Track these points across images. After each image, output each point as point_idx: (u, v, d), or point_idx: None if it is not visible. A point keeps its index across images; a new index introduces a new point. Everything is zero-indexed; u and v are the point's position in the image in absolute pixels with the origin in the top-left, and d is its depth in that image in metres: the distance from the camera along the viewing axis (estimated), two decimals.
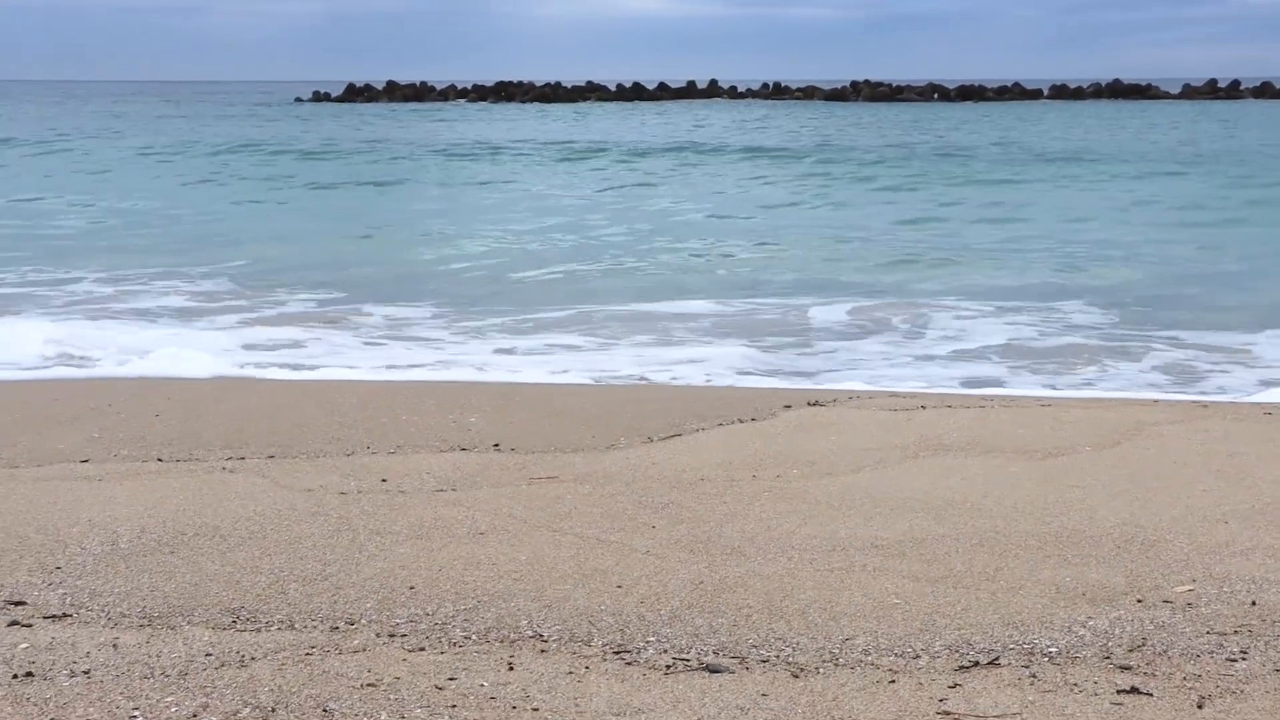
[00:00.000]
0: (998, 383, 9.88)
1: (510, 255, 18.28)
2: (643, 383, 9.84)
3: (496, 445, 6.72)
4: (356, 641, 3.86)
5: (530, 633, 3.97)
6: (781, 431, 7.10)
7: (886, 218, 22.95)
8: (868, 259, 17.56)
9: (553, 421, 7.39)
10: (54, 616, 4.06)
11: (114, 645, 3.79)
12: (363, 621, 4.05)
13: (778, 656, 3.80)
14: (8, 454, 6.46)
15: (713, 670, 3.68)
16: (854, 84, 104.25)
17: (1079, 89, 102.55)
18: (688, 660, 3.76)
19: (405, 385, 9.06)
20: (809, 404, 7.90)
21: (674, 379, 9.99)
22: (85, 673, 3.56)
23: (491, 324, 12.66)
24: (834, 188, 29.44)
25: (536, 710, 3.35)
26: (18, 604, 4.17)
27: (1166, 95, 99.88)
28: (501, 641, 3.89)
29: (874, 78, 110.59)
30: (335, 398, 8.04)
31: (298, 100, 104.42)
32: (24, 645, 3.77)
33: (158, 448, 6.61)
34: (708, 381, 9.79)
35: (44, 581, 4.40)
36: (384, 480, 5.91)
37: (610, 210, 24.87)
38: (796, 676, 3.64)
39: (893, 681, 3.63)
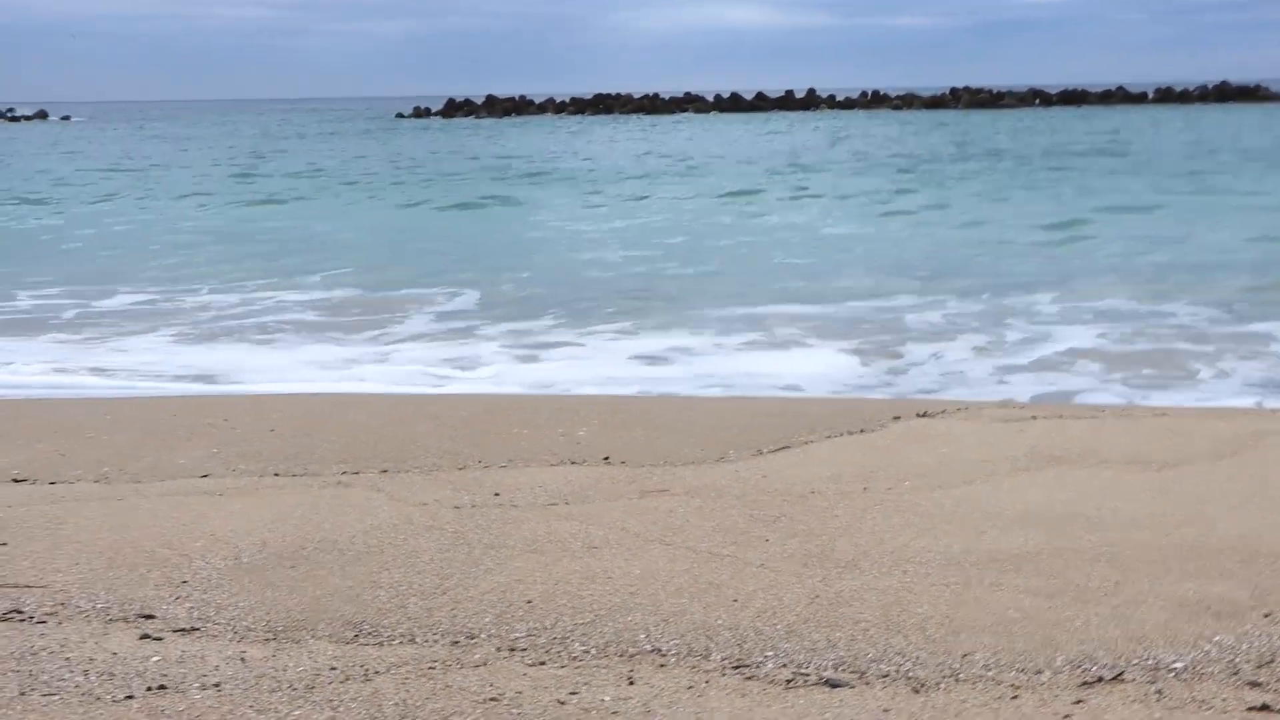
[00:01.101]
0: (1107, 391, 9.77)
1: (646, 265, 18.34)
2: (750, 395, 9.84)
3: (606, 459, 6.75)
4: (477, 656, 3.90)
5: (649, 647, 3.98)
6: (891, 443, 7.06)
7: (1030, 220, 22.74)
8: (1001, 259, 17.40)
9: (661, 434, 7.40)
10: (183, 630, 4.14)
11: (241, 659, 3.86)
12: (482, 636, 4.09)
13: (897, 671, 3.78)
14: (132, 468, 6.60)
15: (833, 685, 3.67)
16: (953, 91, 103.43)
17: (1185, 91, 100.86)
18: (807, 675, 3.76)
19: (514, 399, 9.14)
20: (918, 415, 7.85)
21: (784, 387, 10.02)
22: (215, 686, 3.63)
23: (599, 332, 12.74)
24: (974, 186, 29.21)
25: None
26: (147, 617, 4.26)
27: (1277, 97, 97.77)
28: (620, 656, 3.91)
29: (973, 84, 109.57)
30: (445, 412, 8.13)
31: (399, 116, 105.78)
32: (155, 658, 3.86)
33: (274, 463, 6.72)
34: (816, 392, 9.78)
35: (171, 595, 4.49)
36: (496, 494, 5.96)
37: (731, 225, 24.85)
38: (917, 692, 3.62)
39: (1015, 697, 3.60)
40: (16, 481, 6.31)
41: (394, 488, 6.11)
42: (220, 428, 7.67)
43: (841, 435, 7.28)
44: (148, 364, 11.57)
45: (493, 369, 11.22)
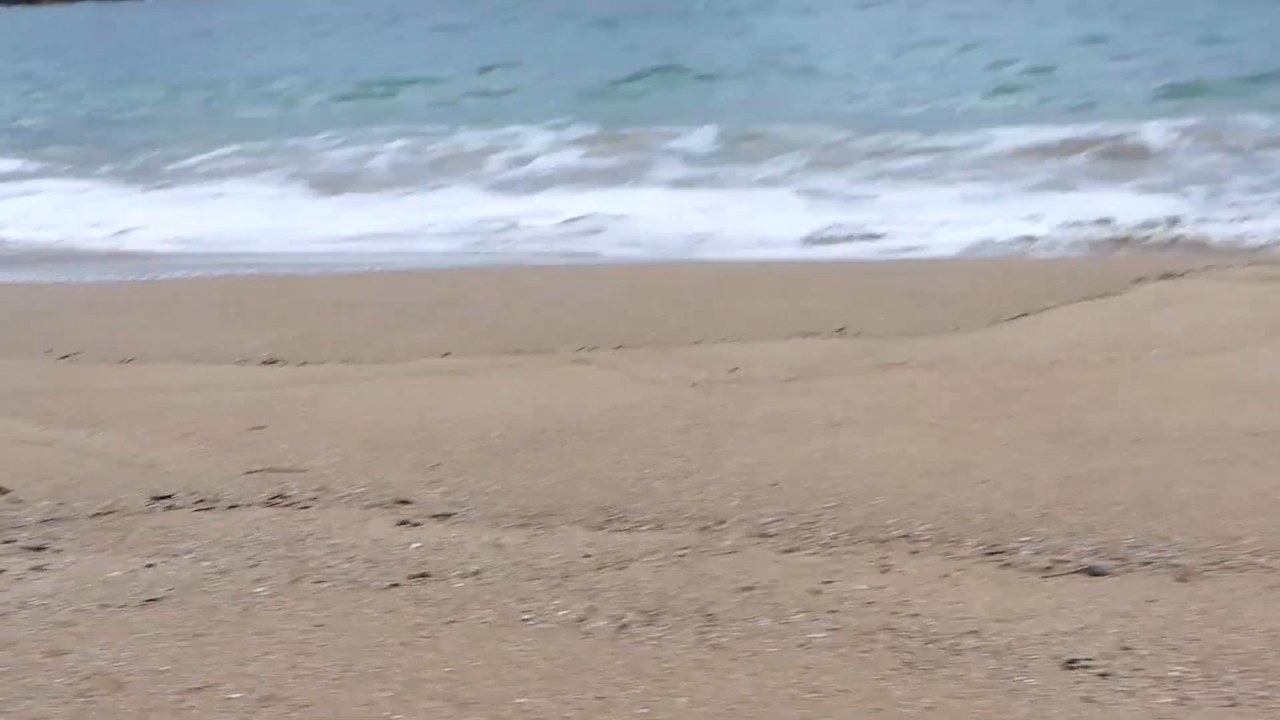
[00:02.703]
0: None
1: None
2: (978, 256, 9.64)
3: (841, 330, 6.68)
4: (728, 542, 3.91)
5: (899, 532, 3.94)
6: (1135, 308, 6.84)
7: None
8: None
9: (895, 303, 7.30)
10: (439, 516, 4.24)
11: (498, 545, 3.93)
12: (731, 521, 4.09)
13: (1159, 558, 3.66)
14: (376, 348, 6.76)
15: (1094, 573, 3.59)
16: None
17: None
18: (1065, 562, 3.67)
19: (743, 268, 9.08)
20: (1162, 276, 7.57)
21: (1011, 239, 9.82)
22: (475, 573, 3.71)
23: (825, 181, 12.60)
24: None
25: (917, 616, 3.33)
26: (404, 503, 4.38)
27: None
28: (872, 542, 3.87)
29: None
30: (676, 284, 8.13)
31: None
32: (416, 545, 3.96)
33: (512, 340, 6.81)
34: (1050, 250, 9.53)
35: (425, 480, 4.60)
36: (733, 370, 5.94)
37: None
38: (1183, 580, 3.51)
39: None
40: (269, 363, 6.52)
41: (631, 365, 6.14)
42: (457, 304, 7.80)
43: (1081, 300, 7.07)
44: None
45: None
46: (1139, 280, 7.48)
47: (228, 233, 12.84)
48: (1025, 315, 6.79)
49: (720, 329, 6.82)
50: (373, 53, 37.21)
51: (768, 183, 14.32)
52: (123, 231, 13.21)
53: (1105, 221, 10.38)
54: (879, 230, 11.06)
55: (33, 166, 19.44)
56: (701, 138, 17.13)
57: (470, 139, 18.42)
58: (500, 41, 37.74)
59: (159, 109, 27.17)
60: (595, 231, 11.84)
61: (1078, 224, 10.40)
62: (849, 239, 10.87)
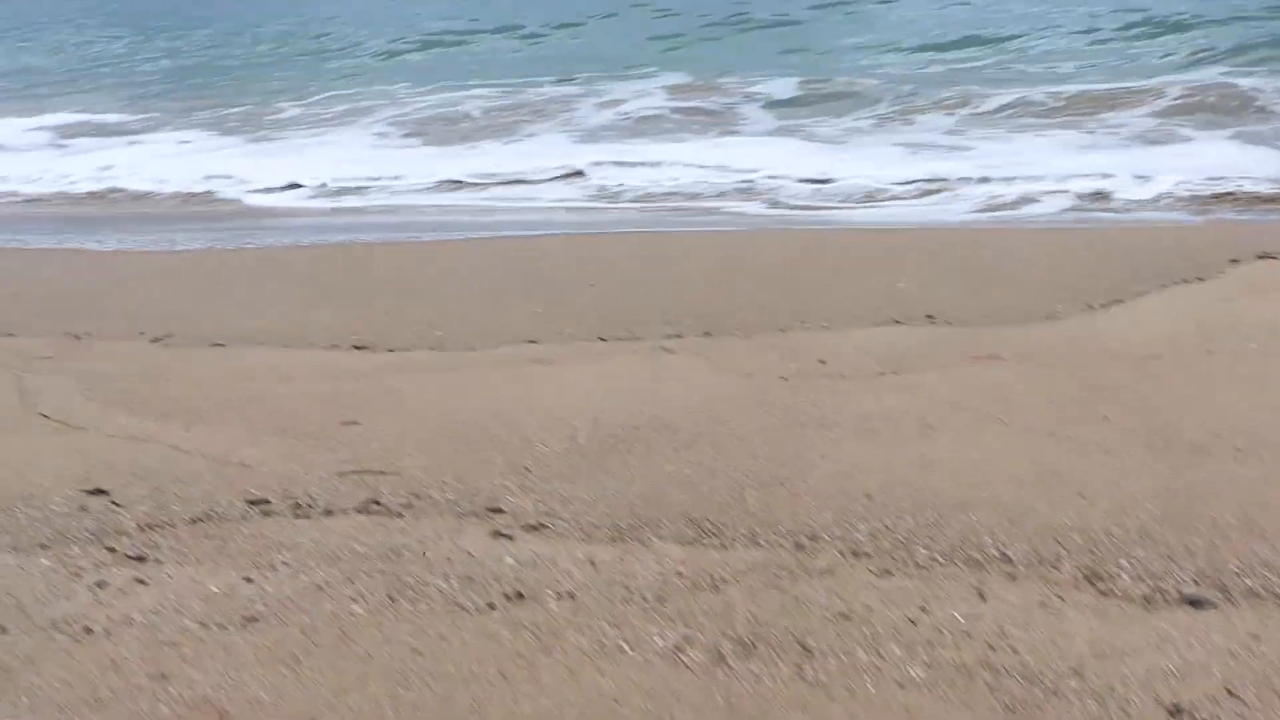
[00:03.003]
0: None
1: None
2: (1072, 222, 9.50)
3: (930, 317, 6.61)
4: (823, 562, 3.88)
5: (996, 553, 3.89)
6: (1231, 293, 6.71)
7: None
8: None
9: (985, 284, 7.21)
10: (531, 527, 4.25)
11: (591, 562, 3.94)
12: (825, 537, 4.06)
13: (1264, 588, 3.60)
14: (462, 332, 6.79)
15: (1194, 604, 3.53)
16: None
17: None
18: (1165, 590, 3.62)
19: (828, 238, 8.99)
20: (1259, 256, 7.42)
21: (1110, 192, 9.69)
22: (570, 595, 3.72)
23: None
24: None
25: (1015, 651, 3.30)
26: (496, 511, 4.39)
27: None
28: (968, 564, 3.84)
29: None
30: (764, 259, 8.06)
31: None
32: (509, 560, 3.97)
33: (598, 324, 6.80)
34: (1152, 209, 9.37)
35: (517, 485, 4.60)
36: (822, 362, 5.90)
37: None
38: None
39: None
40: (357, 349, 6.56)
41: (718, 354, 6.11)
42: (544, 282, 7.80)
43: (1177, 284, 6.95)
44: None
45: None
46: (1234, 261, 7.34)
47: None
48: (1118, 302, 6.68)
49: (809, 313, 6.78)
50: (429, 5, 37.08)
51: (857, 132, 14.34)
52: (237, 181, 13.55)
53: (1216, 180, 10.32)
54: (980, 177, 11.22)
55: (136, 119, 19.83)
56: (783, 87, 17.15)
57: (561, 90, 18.57)
58: None
59: (243, 59, 27.38)
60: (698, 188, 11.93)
61: (1183, 180, 10.35)
62: (952, 191, 10.93)
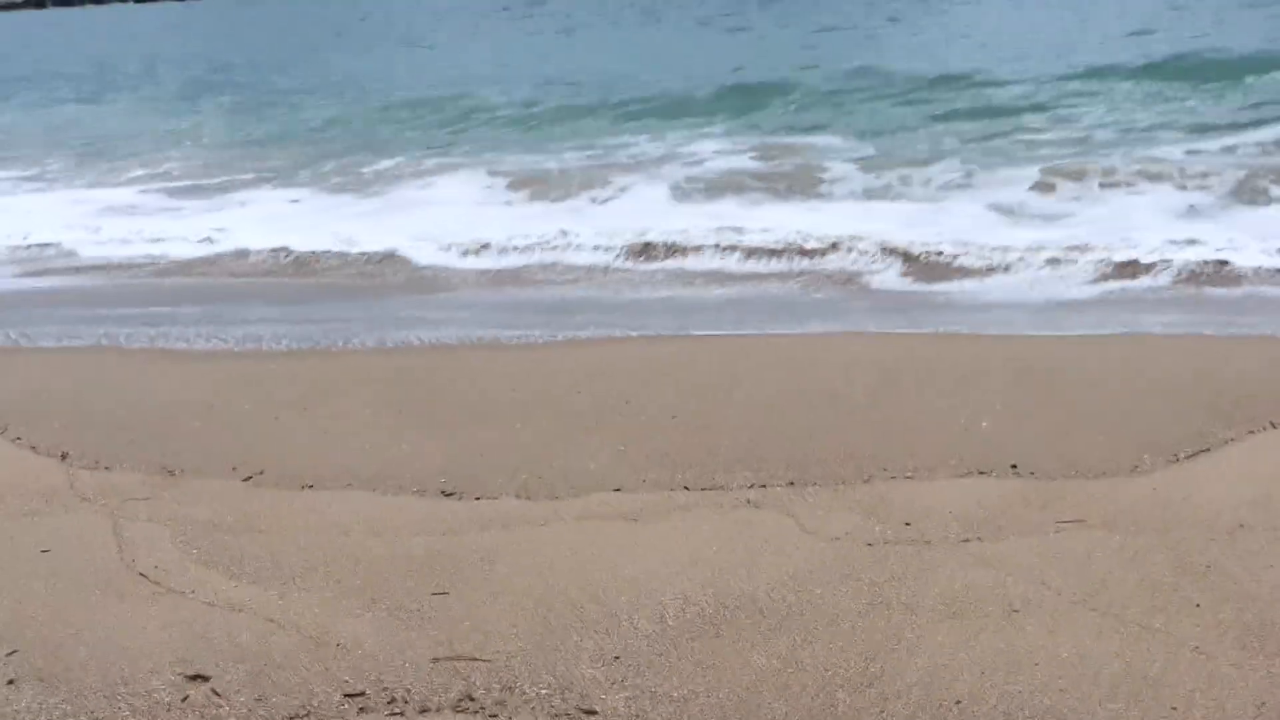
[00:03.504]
0: None
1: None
2: (1149, 330, 9.45)
3: (1014, 466, 6.61)
4: None
5: None
6: None
7: None
8: None
9: (1069, 421, 7.19)
10: None
11: None
12: None
13: None
14: (548, 475, 6.85)
15: None
16: None
17: None
18: None
19: (910, 349, 8.95)
20: None
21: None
22: None
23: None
24: None
25: None
26: (590, 713, 4.44)
27: None
28: None
29: None
30: (849, 383, 8.05)
31: None
32: None
33: (680, 467, 6.84)
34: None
35: (607, 679, 4.66)
36: (907, 524, 5.92)
37: None
38: None
39: None
40: (446, 495, 6.65)
41: (803, 510, 6.14)
42: (623, 411, 7.86)
43: (1263, 430, 6.90)
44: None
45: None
46: None
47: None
48: (1205, 451, 6.65)
49: (892, 458, 6.78)
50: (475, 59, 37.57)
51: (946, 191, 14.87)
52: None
53: None
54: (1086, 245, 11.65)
55: (244, 177, 20.52)
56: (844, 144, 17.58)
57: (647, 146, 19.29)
58: (607, 45, 37.92)
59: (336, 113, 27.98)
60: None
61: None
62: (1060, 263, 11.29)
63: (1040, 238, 13.05)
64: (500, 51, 41.30)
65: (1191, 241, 12.33)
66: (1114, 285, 11.47)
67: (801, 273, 12.78)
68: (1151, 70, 23.49)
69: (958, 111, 21.55)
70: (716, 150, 19.84)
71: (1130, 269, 11.84)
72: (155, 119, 30.95)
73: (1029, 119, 20.46)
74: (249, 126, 28.04)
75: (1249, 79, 21.50)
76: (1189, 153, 16.63)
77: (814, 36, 38.41)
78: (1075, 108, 21.13)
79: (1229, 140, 17.45)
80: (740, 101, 24.89)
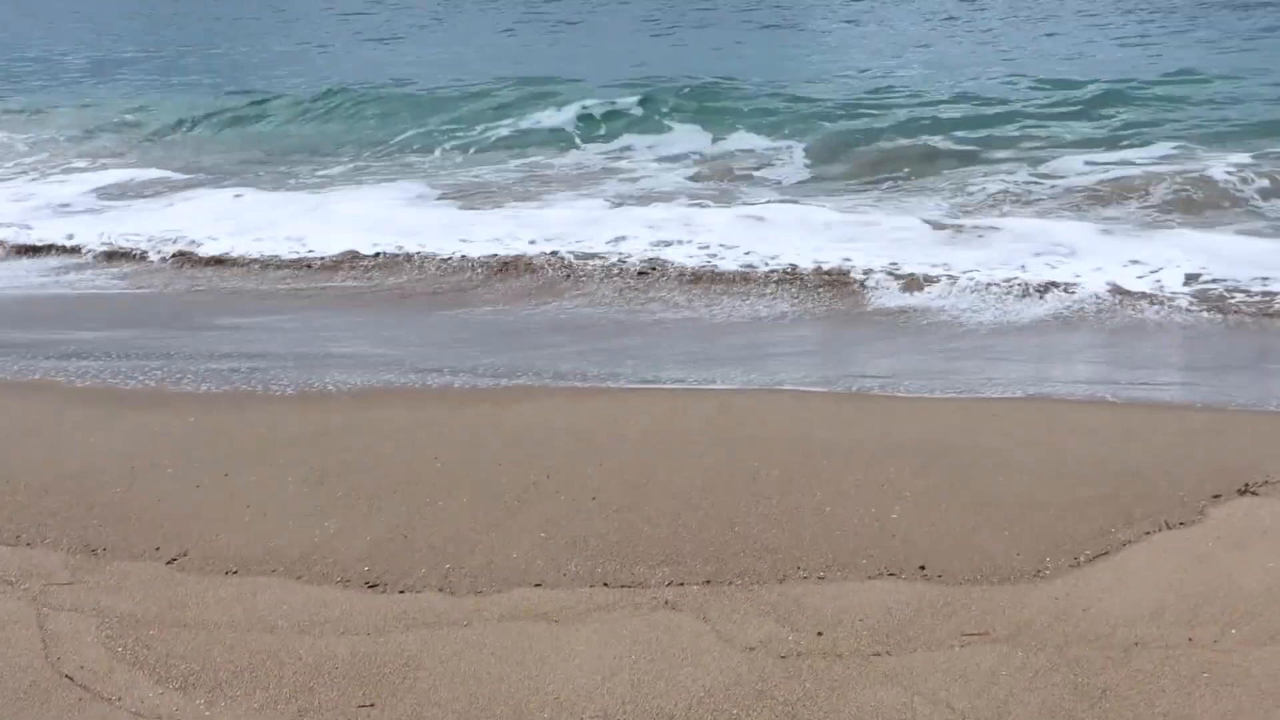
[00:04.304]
0: None
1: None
2: (1055, 389, 9.72)
3: (923, 568, 6.83)
4: None
5: None
6: (1212, 548, 6.94)
7: None
8: None
9: (976, 514, 7.41)
10: None
11: None
12: None
13: None
14: (471, 565, 6.98)
15: None
16: None
17: None
18: None
19: (834, 412, 9.16)
20: (1239, 491, 7.65)
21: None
22: None
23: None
24: None
25: None
26: None
27: None
28: None
29: None
30: (765, 453, 8.24)
31: None
32: None
33: (601, 559, 7.01)
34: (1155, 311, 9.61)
35: None
36: (820, 634, 6.13)
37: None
38: None
39: None
40: (370, 586, 6.77)
41: (720, 615, 6.33)
42: (544, 488, 8.00)
43: (1160, 531, 7.17)
44: None
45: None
46: (1216, 496, 7.58)
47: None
48: (1105, 555, 6.91)
49: (807, 557, 6.96)
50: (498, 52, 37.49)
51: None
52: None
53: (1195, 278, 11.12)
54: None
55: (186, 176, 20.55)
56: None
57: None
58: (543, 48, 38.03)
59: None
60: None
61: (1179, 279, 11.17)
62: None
63: (959, 261, 13.52)
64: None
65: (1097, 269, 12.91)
66: (1028, 316, 11.77)
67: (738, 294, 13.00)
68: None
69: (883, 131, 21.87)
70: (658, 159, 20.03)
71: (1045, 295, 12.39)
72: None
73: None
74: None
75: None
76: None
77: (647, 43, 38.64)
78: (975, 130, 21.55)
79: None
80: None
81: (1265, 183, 16.42)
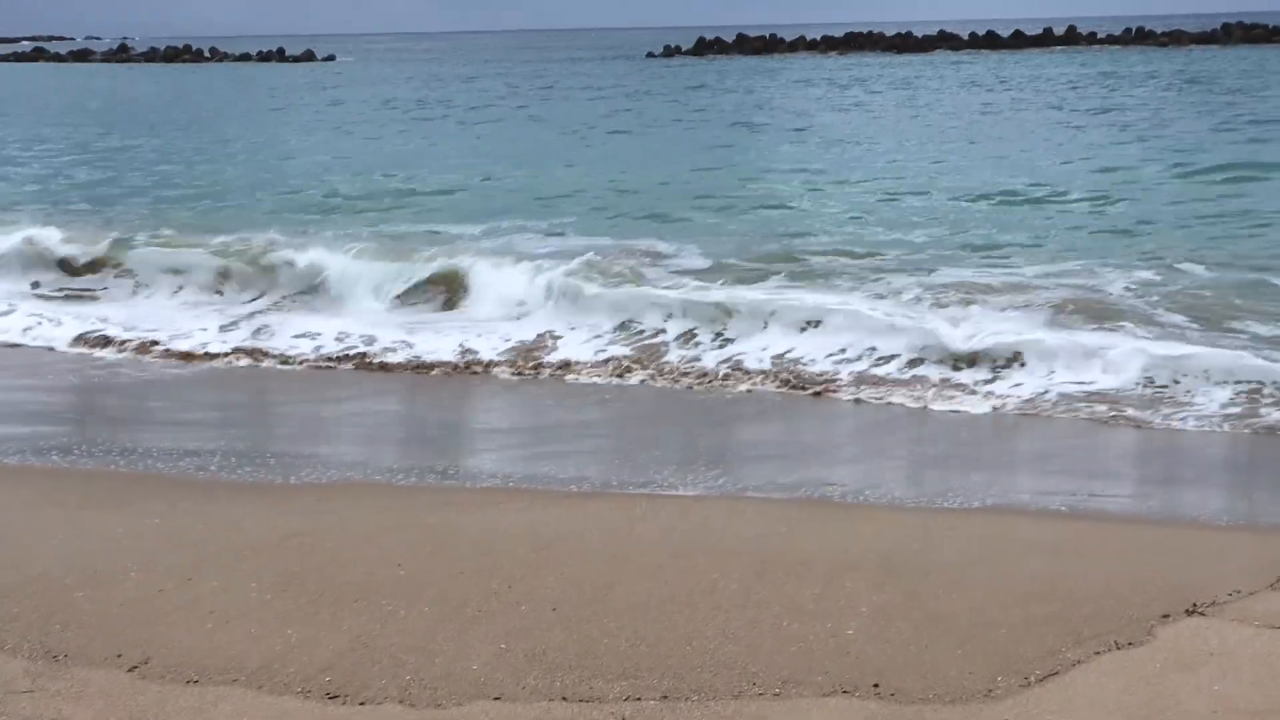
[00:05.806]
0: None
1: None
2: (1013, 499, 9.88)
3: (876, 686, 6.93)
4: None
5: None
6: (1159, 669, 7.04)
7: None
8: None
9: (929, 630, 7.52)
10: None
11: None
12: None
13: None
14: (430, 675, 7.04)
15: None
16: (1225, 26, 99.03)
17: None
18: None
19: (794, 520, 9.27)
20: (1187, 612, 7.77)
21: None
22: None
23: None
24: None
25: None
26: None
27: None
28: None
29: (1246, 18, 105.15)
30: (723, 565, 8.35)
31: (649, 56, 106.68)
32: None
33: (560, 672, 7.08)
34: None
35: None
36: None
37: None
38: None
39: None
40: (331, 698, 6.83)
41: None
42: (505, 598, 8.08)
43: (1109, 650, 7.28)
44: None
45: None
46: (1165, 617, 7.71)
47: None
48: (1053, 675, 7.01)
49: (762, 665, 7.05)
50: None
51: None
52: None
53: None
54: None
55: None
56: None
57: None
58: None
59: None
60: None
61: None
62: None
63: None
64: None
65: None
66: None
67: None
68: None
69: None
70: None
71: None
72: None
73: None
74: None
75: None
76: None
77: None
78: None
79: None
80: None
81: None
